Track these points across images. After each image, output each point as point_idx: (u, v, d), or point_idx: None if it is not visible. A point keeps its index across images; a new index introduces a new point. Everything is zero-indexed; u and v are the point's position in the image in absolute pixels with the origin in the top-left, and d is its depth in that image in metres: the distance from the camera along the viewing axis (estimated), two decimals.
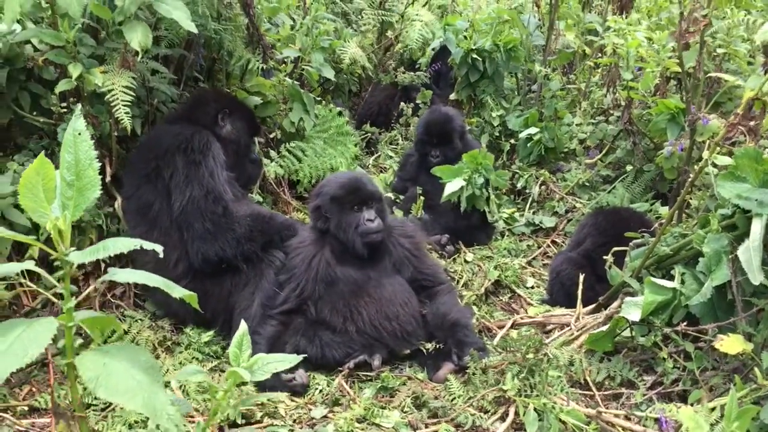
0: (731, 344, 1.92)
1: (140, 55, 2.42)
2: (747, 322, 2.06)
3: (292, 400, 2.42)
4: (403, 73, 5.23)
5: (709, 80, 3.24)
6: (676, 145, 2.83)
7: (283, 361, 1.33)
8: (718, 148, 2.05)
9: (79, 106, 1.69)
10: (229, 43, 3.19)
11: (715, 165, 2.08)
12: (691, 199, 2.95)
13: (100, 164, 2.82)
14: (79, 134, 1.13)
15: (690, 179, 2.14)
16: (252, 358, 1.29)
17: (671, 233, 2.46)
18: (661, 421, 1.85)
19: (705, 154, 2.07)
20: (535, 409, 2.18)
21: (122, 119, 2.43)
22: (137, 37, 2.31)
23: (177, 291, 1.18)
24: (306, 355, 2.50)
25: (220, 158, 2.79)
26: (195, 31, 2.36)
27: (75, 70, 2.36)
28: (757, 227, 1.97)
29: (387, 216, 2.80)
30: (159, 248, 1.18)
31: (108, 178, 2.78)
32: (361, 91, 5.77)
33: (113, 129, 2.69)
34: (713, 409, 1.92)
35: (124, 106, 2.43)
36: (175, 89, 3.20)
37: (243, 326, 1.35)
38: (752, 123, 1.97)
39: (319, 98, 4.13)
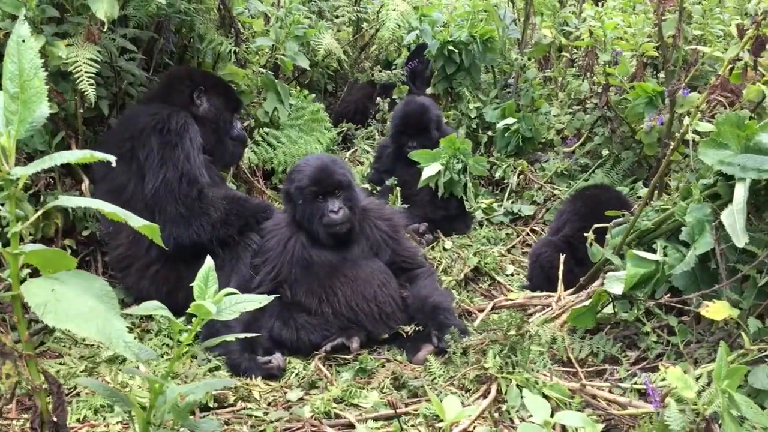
0: (717, 310, 1.88)
1: (105, 26, 2.33)
2: (731, 289, 2.02)
3: (267, 384, 2.34)
4: (380, 71, 5.18)
5: (684, 64, 3.23)
6: (656, 119, 2.80)
7: (252, 301, 1.25)
8: (699, 115, 2.02)
9: (24, 10, 1.59)
10: (200, 25, 3.11)
11: (696, 132, 2.05)
12: (669, 180, 2.92)
13: (66, 145, 2.78)
14: (23, 41, 1.04)
15: (672, 146, 2.10)
16: (219, 293, 1.21)
17: (652, 207, 2.42)
18: (648, 389, 1.80)
19: (687, 121, 2.03)
20: (517, 385, 2.12)
21: (86, 92, 2.34)
22: (103, 7, 2.23)
23: (134, 220, 1.10)
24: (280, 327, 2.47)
25: (197, 141, 2.71)
26: (163, 1, 2.29)
27: (38, 42, 2.27)
28: (740, 191, 1.94)
29: (358, 203, 2.71)
30: (111, 158, 1.10)
31: None
32: (337, 90, 5.73)
33: (79, 107, 2.60)
34: (699, 377, 1.87)
35: (89, 78, 2.34)
36: (145, 74, 3.11)
37: (209, 262, 1.27)
38: (733, 86, 1.94)
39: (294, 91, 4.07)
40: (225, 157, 2.98)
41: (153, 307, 1.22)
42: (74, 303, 0.94)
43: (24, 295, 0.97)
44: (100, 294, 0.99)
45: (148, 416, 1.20)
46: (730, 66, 1.90)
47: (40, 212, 1.13)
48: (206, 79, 2.92)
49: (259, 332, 2.48)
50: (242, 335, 1.44)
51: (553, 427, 1.54)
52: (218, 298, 1.21)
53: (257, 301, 1.26)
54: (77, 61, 2.34)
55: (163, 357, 2.47)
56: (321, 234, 2.64)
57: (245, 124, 3.70)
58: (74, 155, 1.06)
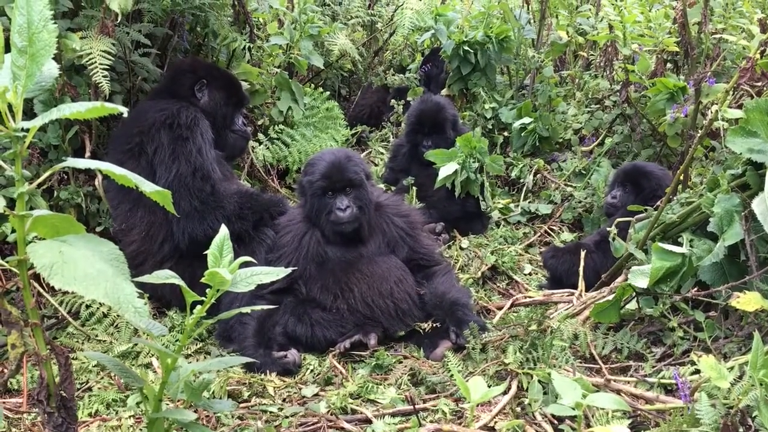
0: (749, 301, 1.81)
1: (119, 17, 2.31)
2: (762, 280, 1.95)
3: (282, 380, 2.29)
4: (393, 75, 5.15)
5: (707, 59, 3.17)
6: (680, 109, 2.74)
7: (269, 273, 1.20)
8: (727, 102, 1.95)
9: None
10: (214, 21, 3.09)
11: (724, 119, 1.99)
12: (692, 175, 2.85)
13: (79, 140, 2.76)
14: None
15: (698, 136, 2.04)
16: (233, 263, 1.16)
17: (678, 200, 2.36)
18: (677, 382, 1.73)
19: (714, 108, 1.97)
20: (539, 381, 2.05)
21: (100, 83, 2.31)
22: None
23: (146, 186, 1.05)
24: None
25: (208, 135, 2.68)
26: None
27: None
28: None
29: (369, 202, 2.62)
30: (124, 110, 1.05)
31: (87, 154, 2.66)
32: (351, 94, 5.70)
33: (93, 101, 2.58)
34: (731, 369, 1.80)
35: (103, 70, 2.31)
36: (159, 71, 3.09)
37: (224, 230, 1.23)
38: (760, 74, 1.88)
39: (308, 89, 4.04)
40: (225, 150, 2.91)
41: (165, 276, 1.17)
42: (82, 265, 0.89)
43: (30, 257, 0.92)
44: (109, 258, 0.94)
45: (159, 393, 1.15)
46: (761, 48, 1.84)
47: (45, 175, 1.09)
48: (210, 71, 2.85)
49: (273, 328, 2.44)
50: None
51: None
52: (233, 267, 1.16)
53: (274, 273, 1.21)
54: (91, 52, 2.32)
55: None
56: (327, 230, 2.59)
57: (259, 123, 3.67)
58: (84, 106, 1.02)
